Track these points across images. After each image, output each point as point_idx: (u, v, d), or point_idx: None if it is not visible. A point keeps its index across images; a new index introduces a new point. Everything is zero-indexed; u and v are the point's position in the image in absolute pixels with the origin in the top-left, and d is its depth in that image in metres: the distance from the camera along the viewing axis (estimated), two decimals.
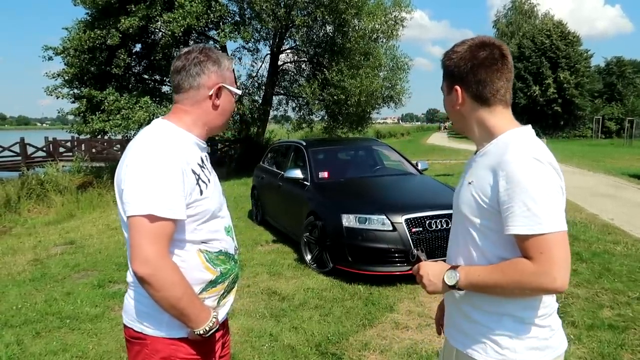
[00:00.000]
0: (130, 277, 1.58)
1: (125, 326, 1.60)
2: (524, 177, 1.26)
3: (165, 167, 1.42)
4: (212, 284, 1.58)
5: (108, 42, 14.23)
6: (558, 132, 39.06)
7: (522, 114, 36.45)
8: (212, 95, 1.57)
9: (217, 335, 1.66)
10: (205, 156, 1.65)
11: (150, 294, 1.42)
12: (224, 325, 1.74)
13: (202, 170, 1.56)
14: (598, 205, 9.02)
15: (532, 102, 38.04)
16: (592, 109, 39.98)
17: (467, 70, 1.40)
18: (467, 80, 1.41)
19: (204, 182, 1.54)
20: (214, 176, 1.66)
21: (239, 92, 1.67)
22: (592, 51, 40.09)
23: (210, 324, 1.50)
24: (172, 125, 1.56)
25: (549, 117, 38.57)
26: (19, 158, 22.41)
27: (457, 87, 1.43)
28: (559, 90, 37.57)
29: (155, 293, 1.40)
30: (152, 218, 1.38)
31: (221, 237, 1.61)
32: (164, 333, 1.53)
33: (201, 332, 1.49)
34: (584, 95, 38.84)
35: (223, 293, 1.64)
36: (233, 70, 1.68)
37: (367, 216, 5.05)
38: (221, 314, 1.65)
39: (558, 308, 1.25)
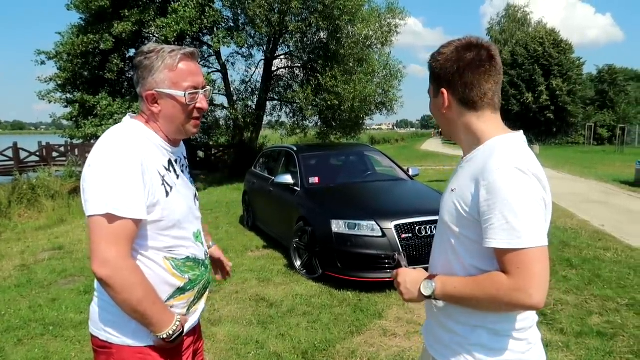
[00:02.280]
0: (96, 284, 1.54)
1: (91, 335, 1.55)
2: (504, 188, 1.21)
3: (124, 165, 1.37)
4: (181, 291, 1.55)
5: (101, 46, 14.19)
6: (551, 138, 39.35)
7: (516, 121, 36.70)
8: (148, 103, 1.51)
9: (187, 342, 1.62)
10: (176, 160, 1.60)
11: (111, 297, 1.38)
12: (194, 332, 1.70)
13: (168, 174, 1.52)
14: (589, 212, 9.04)
15: (525, 109, 38.32)
16: (584, 116, 40.30)
17: (453, 73, 1.34)
18: (454, 83, 1.35)
19: (169, 185, 1.50)
20: (182, 181, 1.60)
21: (176, 93, 1.48)
22: (584, 59, 40.53)
23: (174, 328, 1.46)
24: (141, 125, 1.53)
25: (541, 124, 38.84)
26: (12, 163, 22.29)
27: (444, 90, 1.37)
28: (551, 98, 37.88)
29: (116, 295, 1.37)
30: (111, 218, 1.34)
31: (188, 244, 1.57)
32: (130, 341, 1.49)
33: (164, 336, 1.44)
34: (576, 103, 39.18)
35: (193, 300, 1.61)
36: (189, 63, 1.51)
37: (357, 222, 5.02)
38: (190, 321, 1.62)
39: (546, 315, 1.23)
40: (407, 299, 1.42)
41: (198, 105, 1.53)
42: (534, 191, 1.23)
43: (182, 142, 1.75)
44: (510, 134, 1.37)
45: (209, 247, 1.85)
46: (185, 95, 1.48)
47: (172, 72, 1.47)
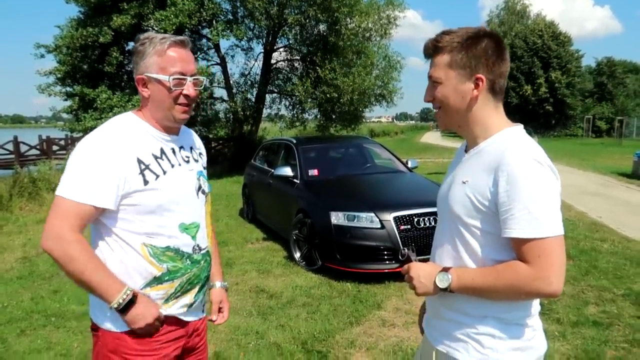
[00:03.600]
0: None
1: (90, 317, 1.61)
2: (524, 179, 1.23)
3: (97, 153, 1.44)
4: (157, 280, 1.55)
5: (100, 40, 14.13)
6: (549, 131, 39.27)
7: (514, 113, 36.64)
8: (140, 86, 1.57)
9: (172, 335, 1.61)
10: (172, 148, 1.62)
11: (61, 270, 1.45)
12: (181, 325, 1.67)
13: (157, 161, 1.54)
14: (587, 203, 9.09)
15: (524, 101, 38.24)
16: (583, 109, 40.25)
17: (494, 60, 1.34)
18: (493, 71, 1.35)
19: (153, 173, 1.52)
20: (179, 171, 1.61)
21: (162, 77, 1.51)
22: (583, 51, 40.40)
23: (124, 297, 1.45)
24: (132, 116, 1.58)
25: (540, 116, 38.77)
26: (12, 156, 22.26)
27: (482, 77, 1.34)
28: (550, 90, 37.80)
29: (63, 268, 1.43)
30: (66, 200, 1.42)
31: (171, 233, 1.56)
32: (109, 326, 1.53)
33: (115, 305, 1.44)
34: (575, 95, 39.10)
35: (174, 292, 1.59)
36: (180, 50, 1.56)
37: (356, 214, 5.06)
38: (170, 312, 1.60)
39: (543, 305, 1.26)
40: (420, 293, 1.42)
41: (185, 92, 1.55)
42: (551, 182, 1.26)
43: (193, 134, 1.78)
44: (515, 126, 1.39)
45: (213, 287, 1.87)
46: (169, 80, 1.51)
47: (160, 58, 1.52)
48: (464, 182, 1.37)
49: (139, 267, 1.52)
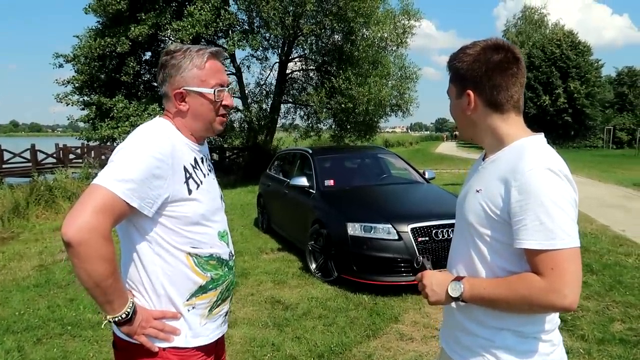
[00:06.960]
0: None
1: (113, 333, 1.55)
2: (538, 189, 1.20)
3: (148, 155, 1.37)
4: (202, 289, 1.53)
5: (118, 49, 14.35)
6: (568, 142, 38.71)
7: (532, 124, 35.65)
8: (177, 101, 1.52)
9: (208, 347, 1.59)
10: (202, 158, 1.60)
11: (74, 265, 1.30)
12: (215, 344, 1.64)
13: (195, 171, 1.52)
14: (609, 216, 8.88)
15: (542, 112, 37.78)
16: (603, 119, 39.63)
17: (482, 74, 1.33)
18: (481, 85, 1.34)
19: (195, 182, 1.50)
20: (209, 179, 1.60)
21: (205, 90, 1.51)
22: (603, 61, 39.83)
23: (128, 310, 1.38)
24: (168, 123, 1.54)
25: (559, 127, 38.24)
26: (29, 164, 22.62)
27: (470, 92, 1.35)
28: (569, 100, 37.30)
29: (82, 264, 1.29)
30: (114, 195, 1.31)
31: (213, 242, 1.55)
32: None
33: (117, 319, 1.37)
34: (595, 105, 38.50)
35: (216, 301, 1.58)
36: (214, 63, 1.55)
37: (373, 225, 4.99)
38: (212, 327, 1.58)
39: (567, 321, 1.20)
40: (433, 301, 1.41)
41: (224, 102, 1.56)
42: (566, 192, 1.23)
43: (205, 143, 1.75)
44: (534, 135, 1.37)
45: None
46: (214, 92, 1.52)
47: (201, 71, 1.51)
48: (477, 191, 1.36)
49: (186, 277, 1.49)
